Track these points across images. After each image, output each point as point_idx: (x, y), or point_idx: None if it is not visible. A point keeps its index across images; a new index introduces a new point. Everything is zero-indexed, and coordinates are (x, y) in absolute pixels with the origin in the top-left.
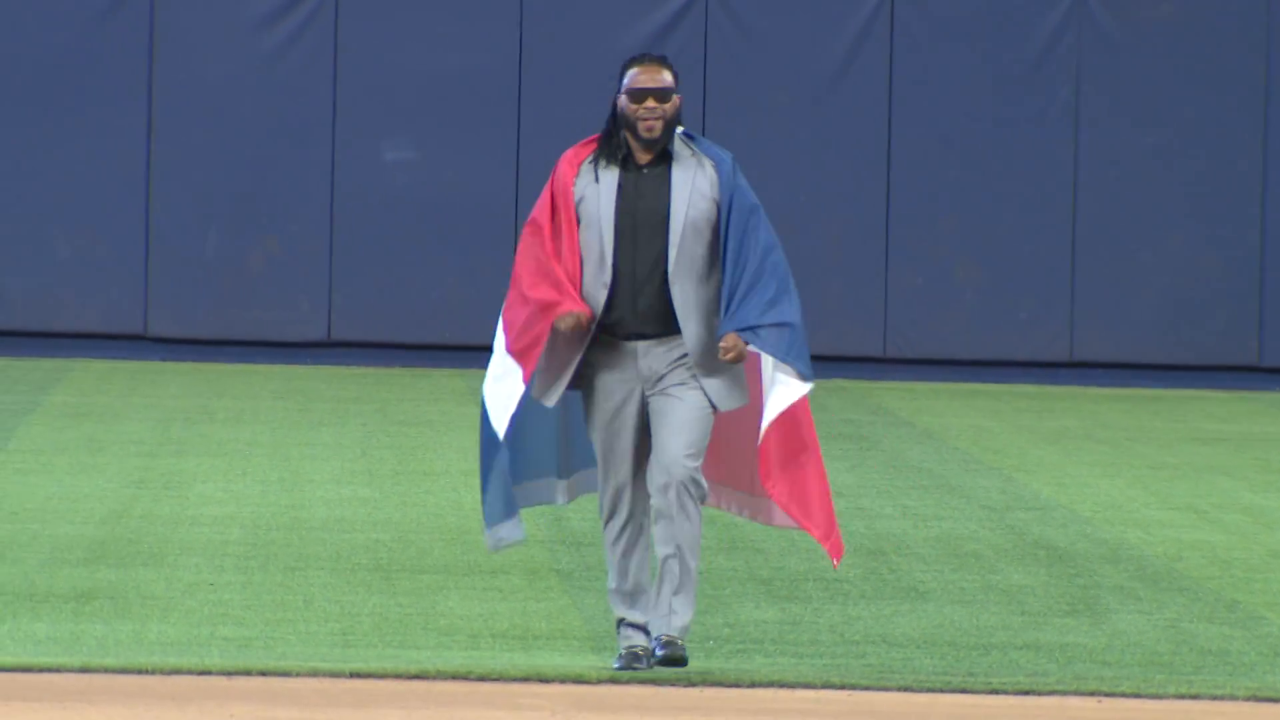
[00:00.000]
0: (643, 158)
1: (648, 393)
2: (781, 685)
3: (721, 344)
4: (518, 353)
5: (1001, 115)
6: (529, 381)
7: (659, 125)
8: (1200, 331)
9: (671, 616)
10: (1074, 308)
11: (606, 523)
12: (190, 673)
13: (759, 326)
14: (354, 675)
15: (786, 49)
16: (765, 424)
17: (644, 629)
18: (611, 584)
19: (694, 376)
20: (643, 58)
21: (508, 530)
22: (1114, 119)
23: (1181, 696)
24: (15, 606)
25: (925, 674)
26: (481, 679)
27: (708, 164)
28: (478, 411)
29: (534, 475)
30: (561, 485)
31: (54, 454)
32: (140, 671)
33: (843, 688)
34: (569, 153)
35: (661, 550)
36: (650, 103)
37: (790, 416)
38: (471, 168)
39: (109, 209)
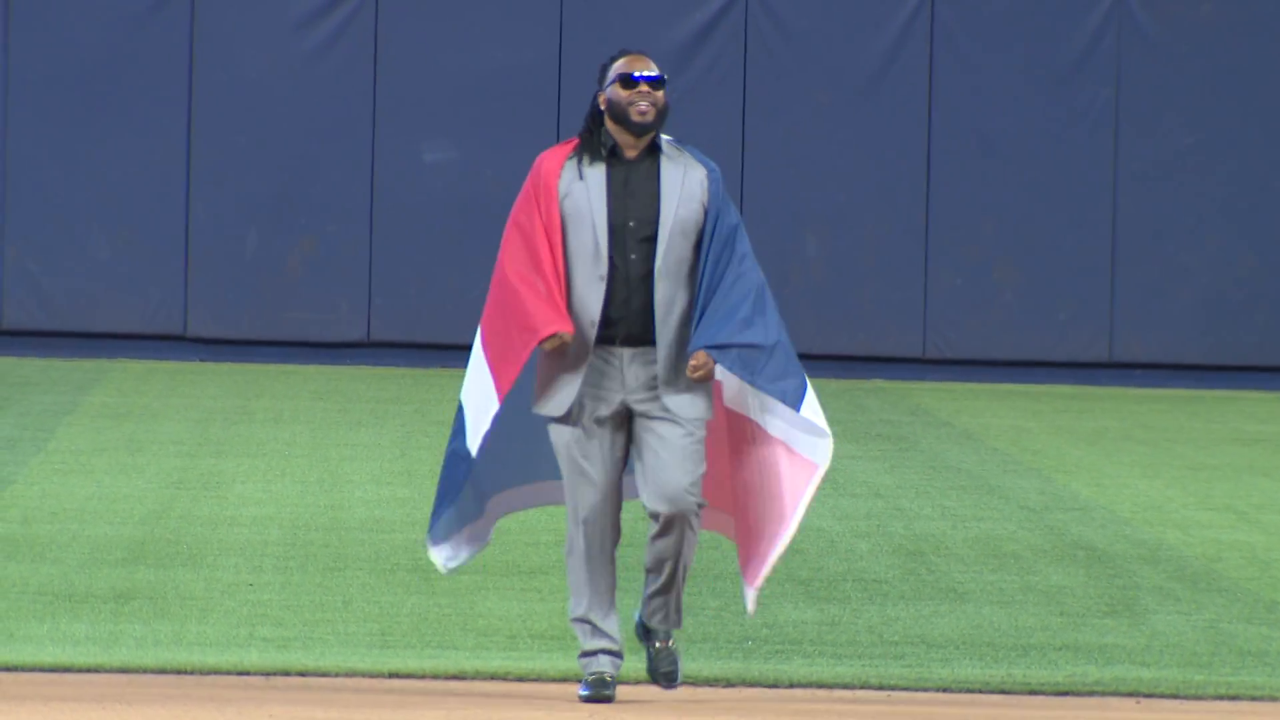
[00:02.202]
0: (630, 152)
1: (633, 404)
2: (820, 686)
3: (691, 361)
4: (495, 368)
5: (1041, 116)
6: (503, 402)
7: (652, 111)
8: (1240, 332)
9: (666, 620)
10: (1113, 308)
11: (573, 540)
12: (229, 673)
13: (729, 346)
14: (392, 675)
15: (826, 49)
16: (809, 492)
17: (612, 653)
18: (578, 610)
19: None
20: (627, 51)
21: (448, 552)
22: (1154, 119)
23: (1220, 697)
24: (55, 606)
25: (964, 675)
26: (520, 679)
27: (698, 169)
28: None
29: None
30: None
31: (93, 454)
32: (179, 672)
33: (881, 688)
34: (547, 152)
35: (658, 561)
36: (643, 87)
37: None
38: (511, 168)
39: (149, 210)
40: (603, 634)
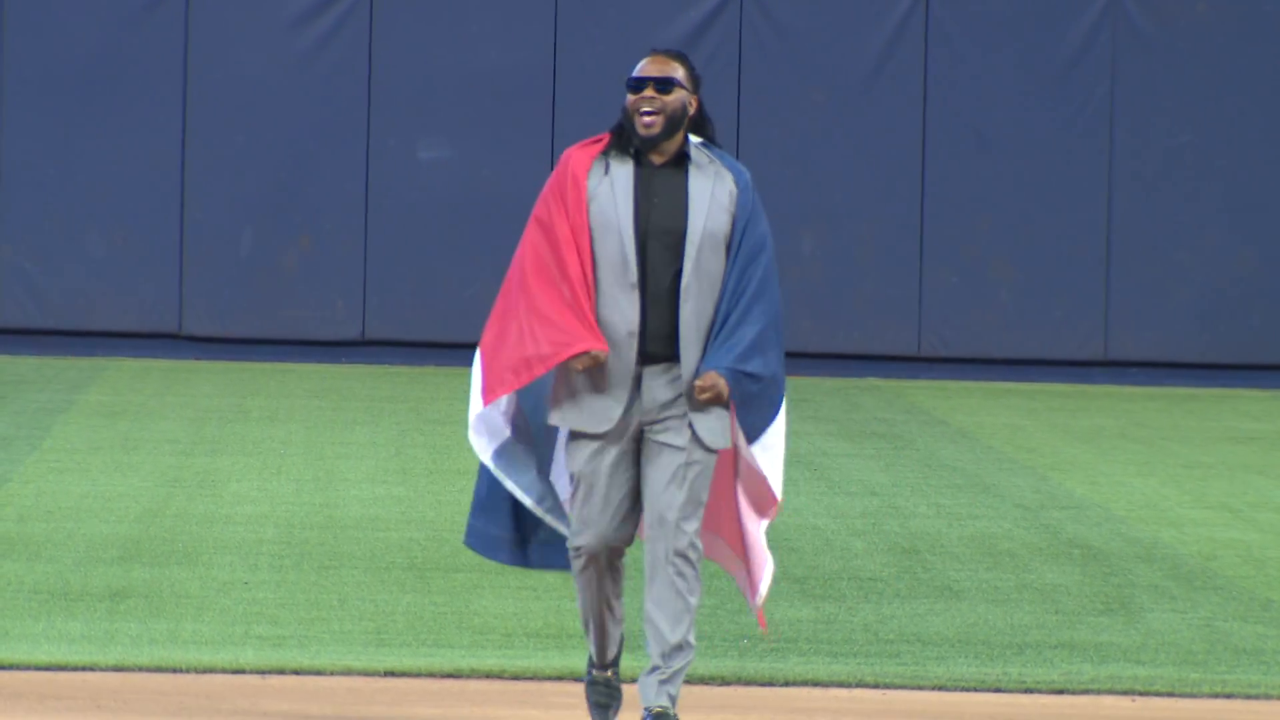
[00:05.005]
0: (656, 158)
1: (644, 425)
2: (815, 684)
3: (699, 382)
4: (491, 372)
5: (1036, 114)
6: (488, 405)
7: (658, 121)
8: (1235, 330)
9: (665, 686)
10: (1108, 306)
11: (577, 564)
12: (224, 671)
13: (739, 371)
14: (388, 674)
15: (821, 48)
16: (777, 486)
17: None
18: (583, 620)
19: (685, 412)
20: (653, 50)
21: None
22: (1148, 117)
23: (1216, 695)
24: (50, 605)
25: (959, 673)
26: (515, 678)
27: (728, 177)
28: None
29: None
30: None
31: (89, 453)
32: (174, 670)
33: (877, 687)
34: (575, 148)
35: (656, 617)
36: (649, 92)
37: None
38: (506, 166)
39: (144, 208)
40: (607, 645)
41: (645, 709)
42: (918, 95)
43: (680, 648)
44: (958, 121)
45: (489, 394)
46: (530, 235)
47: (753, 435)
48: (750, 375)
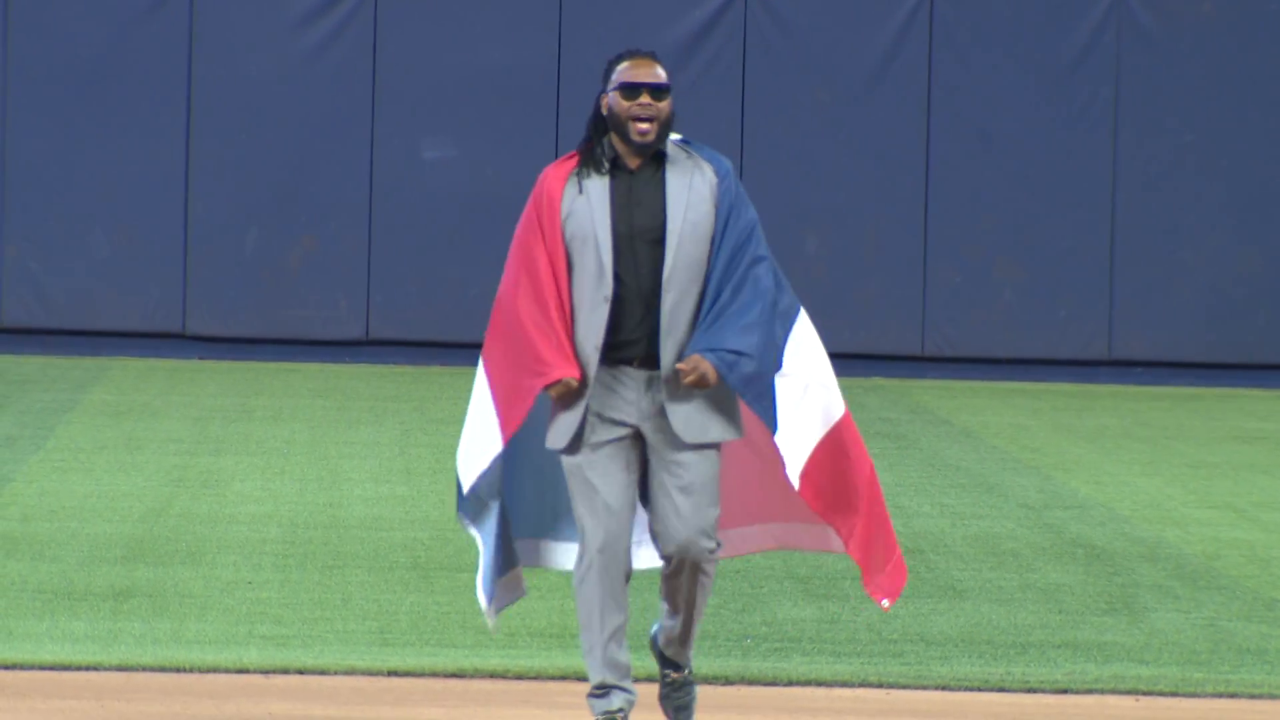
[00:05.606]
0: (633, 162)
1: (646, 432)
2: (819, 684)
3: (680, 365)
4: (502, 410)
5: (1040, 113)
6: (508, 444)
7: (654, 128)
8: (1239, 329)
9: (681, 650)
10: (1113, 306)
11: (586, 570)
12: (228, 671)
13: (729, 351)
14: (392, 674)
15: (825, 47)
16: (793, 474)
17: (625, 690)
18: (589, 644)
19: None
20: (633, 53)
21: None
22: (1153, 117)
23: (1219, 695)
24: (54, 604)
25: (963, 673)
26: (519, 677)
27: (707, 168)
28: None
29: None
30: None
31: (93, 452)
32: (178, 669)
33: (880, 686)
34: (550, 168)
35: (670, 598)
36: (645, 99)
37: (834, 445)
38: (510, 166)
39: (148, 208)
40: (616, 668)
41: (663, 673)
42: (922, 94)
43: (691, 621)
44: (962, 121)
45: (506, 431)
46: (512, 257)
47: (771, 424)
48: (741, 354)
